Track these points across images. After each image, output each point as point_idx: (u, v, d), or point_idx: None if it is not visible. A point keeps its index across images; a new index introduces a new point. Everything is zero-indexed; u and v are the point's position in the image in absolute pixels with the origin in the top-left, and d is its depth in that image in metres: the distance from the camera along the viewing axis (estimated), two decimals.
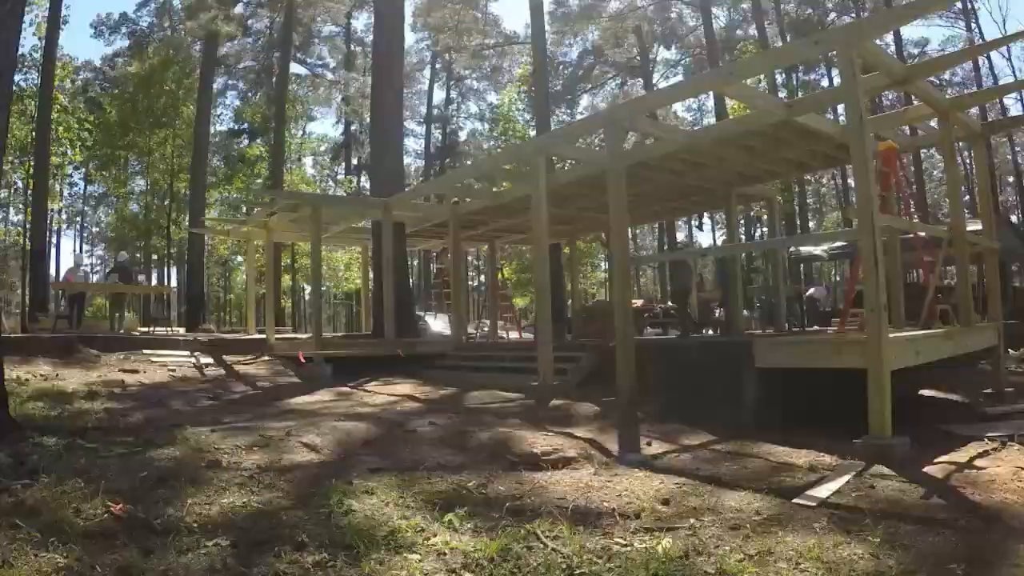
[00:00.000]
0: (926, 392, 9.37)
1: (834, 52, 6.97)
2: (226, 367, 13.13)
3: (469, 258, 34.32)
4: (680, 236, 42.02)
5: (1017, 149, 37.52)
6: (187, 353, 13.80)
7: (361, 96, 42.21)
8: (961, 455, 5.71)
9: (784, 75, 35.93)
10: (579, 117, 39.33)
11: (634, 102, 16.01)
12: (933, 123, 9.78)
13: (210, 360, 13.47)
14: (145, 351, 13.42)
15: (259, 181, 38.33)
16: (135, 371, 11.53)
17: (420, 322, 20.19)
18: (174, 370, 12.21)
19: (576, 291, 21.60)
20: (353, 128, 47.34)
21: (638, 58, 40.31)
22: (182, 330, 22.06)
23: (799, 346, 7.50)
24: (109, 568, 3.14)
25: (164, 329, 19.38)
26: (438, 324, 21.97)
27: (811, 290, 19.66)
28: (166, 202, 38.60)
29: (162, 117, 35.88)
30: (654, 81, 39.43)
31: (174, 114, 36.11)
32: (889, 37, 31.27)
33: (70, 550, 3.28)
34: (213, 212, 36.70)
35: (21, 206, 36.35)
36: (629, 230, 13.58)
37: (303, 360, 13.59)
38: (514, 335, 20.70)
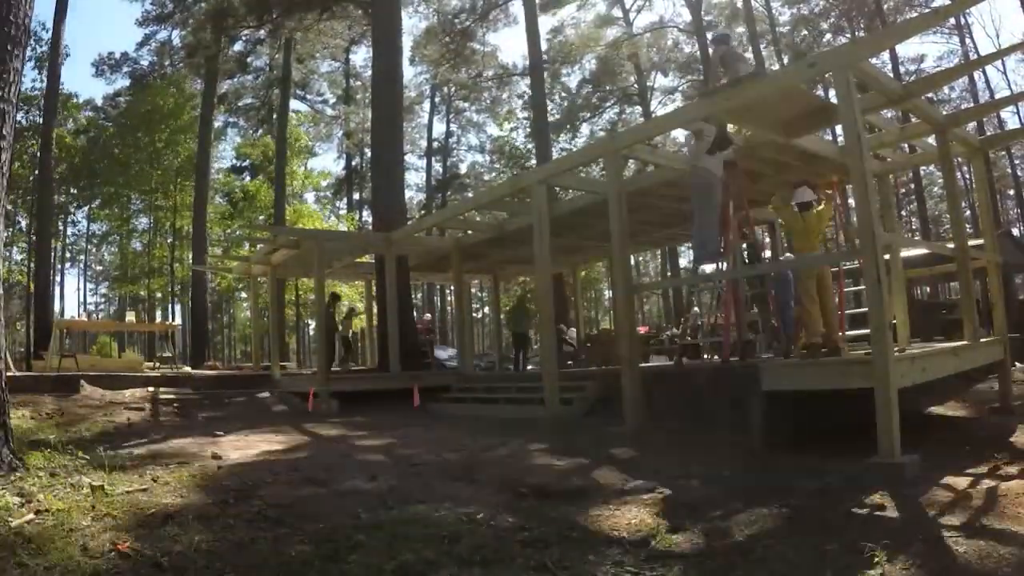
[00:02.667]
0: (935, 408, 9.32)
1: (830, 73, 7.00)
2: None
3: (472, 290, 34.32)
4: (683, 262, 41.97)
5: (1016, 162, 37.61)
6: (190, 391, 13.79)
7: (362, 130, 42.47)
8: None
9: None
10: (579, 145, 39.46)
11: (632, 131, 16.09)
12: (931, 140, 9.80)
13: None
14: (149, 388, 13.40)
15: (261, 218, 38.48)
16: (140, 409, 11.51)
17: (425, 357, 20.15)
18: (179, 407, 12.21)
19: (581, 319, 21.57)
20: (354, 163, 47.61)
21: (635, 85, 40.55)
22: (188, 368, 22.04)
23: (806, 368, 7.47)
24: None
25: (169, 366, 19.34)
26: (443, 355, 21.95)
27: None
28: (169, 239, 38.82)
29: (163, 154, 36.20)
30: (652, 108, 39.62)
31: (175, 151, 36.43)
32: (885, 55, 31.48)
33: None
34: (216, 249, 36.86)
35: (24, 245, 36.50)
36: (632, 257, 13.55)
37: (312, 396, 13.54)
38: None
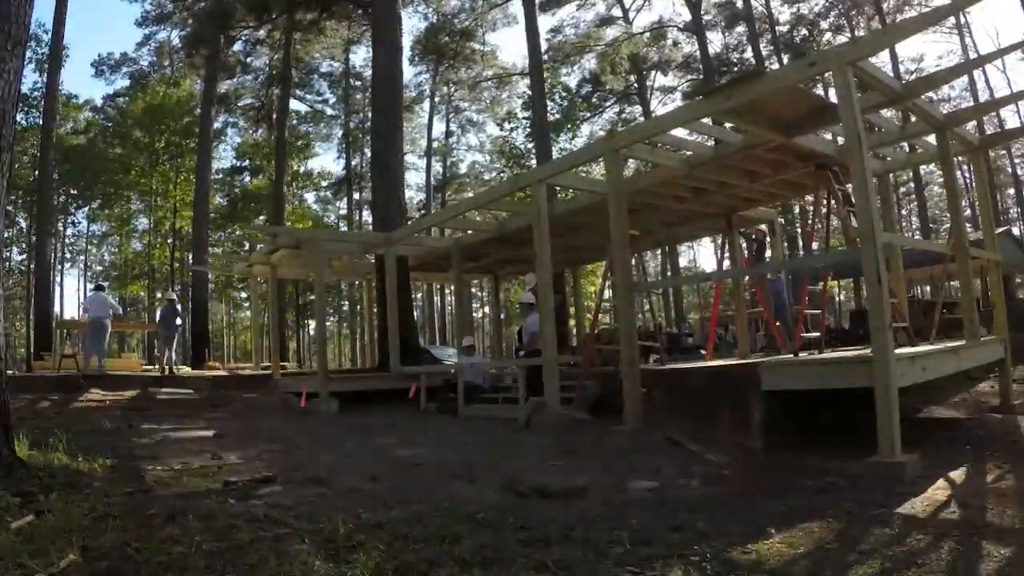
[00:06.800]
0: (935, 408, 9.32)
1: (830, 72, 6.99)
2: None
3: (472, 290, 34.36)
4: (683, 261, 42.00)
5: (1016, 160, 37.60)
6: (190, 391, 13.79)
7: (362, 130, 42.43)
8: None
9: None
10: (579, 145, 39.44)
11: (631, 130, 16.09)
12: (931, 139, 9.80)
13: None
14: (151, 389, 13.41)
15: (261, 218, 38.47)
16: (140, 409, 11.51)
17: (425, 355, 20.12)
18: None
19: (582, 318, 21.56)
20: (354, 163, 47.59)
21: (635, 85, 40.54)
22: (188, 368, 22.05)
23: (805, 367, 7.47)
24: None
25: (169, 366, 19.34)
26: (442, 355, 21.93)
27: None
28: (169, 240, 38.88)
29: (163, 155, 36.25)
30: (652, 108, 39.63)
31: (175, 152, 36.50)
32: (885, 55, 31.47)
33: None
34: (217, 250, 36.91)
35: (24, 245, 36.57)
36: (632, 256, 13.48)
37: (306, 396, 13.54)
38: None
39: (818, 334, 10.13)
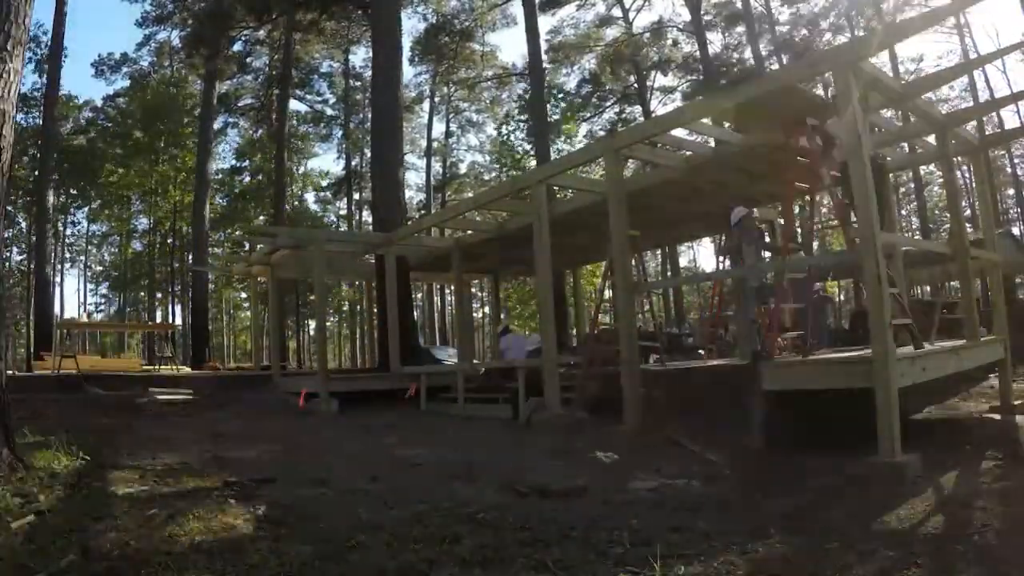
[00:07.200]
0: (935, 408, 9.32)
1: (830, 72, 7.00)
2: None
3: (472, 290, 34.30)
4: (683, 261, 41.96)
5: (1016, 160, 37.55)
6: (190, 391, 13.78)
7: (362, 130, 42.42)
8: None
9: None
10: (579, 145, 39.39)
11: (631, 130, 16.10)
12: (931, 139, 9.79)
13: None
14: (151, 389, 13.40)
15: (261, 218, 38.47)
16: (140, 409, 11.51)
17: (425, 355, 20.12)
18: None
19: (581, 318, 21.56)
20: (354, 163, 47.56)
21: (635, 85, 40.51)
22: (188, 368, 22.04)
23: (806, 367, 7.46)
24: None
25: (169, 366, 19.35)
26: (442, 355, 21.93)
27: None
28: (169, 240, 38.92)
29: (163, 156, 36.30)
30: (652, 108, 39.59)
31: (175, 152, 36.55)
32: (885, 55, 31.40)
33: None
34: (217, 250, 36.95)
35: (24, 246, 36.60)
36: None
37: (305, 396, 13.54)
38: None
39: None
